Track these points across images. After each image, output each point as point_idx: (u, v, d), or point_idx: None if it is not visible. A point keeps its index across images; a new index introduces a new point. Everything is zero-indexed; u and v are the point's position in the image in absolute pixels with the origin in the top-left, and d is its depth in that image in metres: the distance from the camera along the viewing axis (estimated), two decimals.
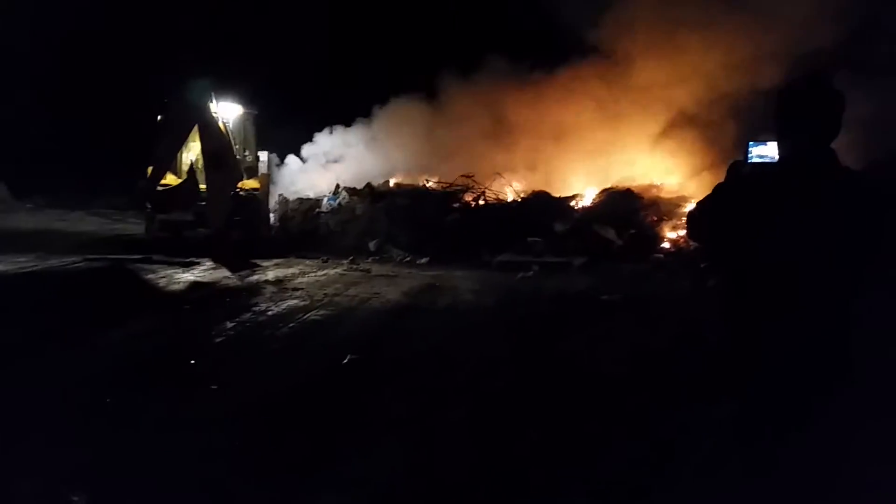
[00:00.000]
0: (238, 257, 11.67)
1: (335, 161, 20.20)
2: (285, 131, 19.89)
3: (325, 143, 20.65)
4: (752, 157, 2.61)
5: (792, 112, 2.53)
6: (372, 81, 22.11)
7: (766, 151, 2.60)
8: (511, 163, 18.26)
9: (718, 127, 16.51)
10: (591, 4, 17.48)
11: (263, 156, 15.26)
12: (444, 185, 17.09)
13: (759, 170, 2.59)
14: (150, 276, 10.34)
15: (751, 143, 2.62)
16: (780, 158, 2.56)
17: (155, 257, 11.67)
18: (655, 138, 18.18)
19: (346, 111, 21.14)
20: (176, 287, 9.64)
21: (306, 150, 20.48)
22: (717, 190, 2.61)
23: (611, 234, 13.95)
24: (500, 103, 19.74)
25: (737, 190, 2.55)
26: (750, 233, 2.46)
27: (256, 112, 15.04)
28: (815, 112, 2.49)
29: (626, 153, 18.29)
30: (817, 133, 2.48)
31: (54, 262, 11.07)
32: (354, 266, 12.18)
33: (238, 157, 13.47)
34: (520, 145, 19.19)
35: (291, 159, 20.19)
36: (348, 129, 20.88)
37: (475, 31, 20.91)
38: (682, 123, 17.72)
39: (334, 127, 20.82)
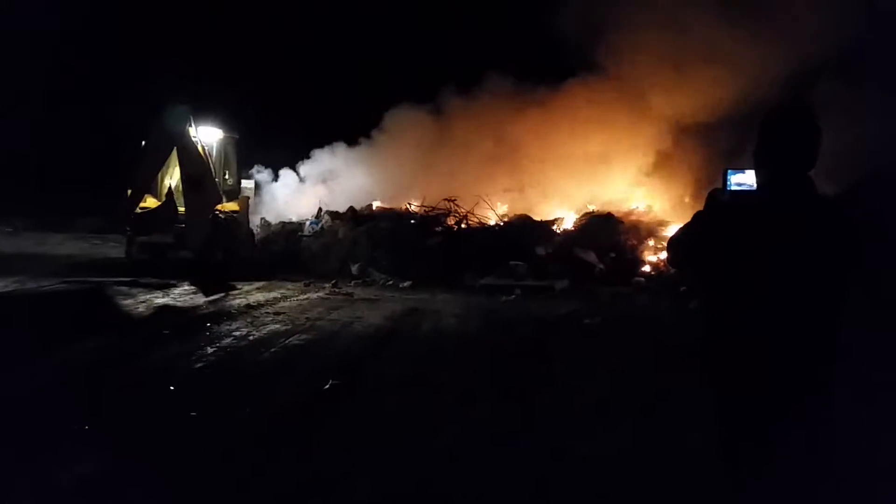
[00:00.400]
0: (217, 280, 11.65)
1: (323, 181, 20.21)
2: (269, 153, 19.99)
3: (308, 166, 20.69)
4: (730, 185, 2.64)
5: (770, 140, 2.58)
6: (353, 107, 22.20)
7: (745, 179, 2.63)
8: (493, 187, 18.34)
9: (698, 152, 16.73)
10: (584, 30, 17.77)
11: (248, 182, 15.32)
12: (427, 209, 17.13)
13: (738, 197, 2.62)
14: (129, 300, 10.23)
15: (729, 171, 2.66)
16: (758, 186, 2.60)
17: (135, 280, 11.61)
18: (637, 163, 18.37)
19: (329, 135, 21.23)
20: (155, 311, 9.54)
21: (285, 173, 20.51)
22: (697, 217, 2.65)
23: (592, 257, 14.05)
24: (483, 129, 19.88)
25: (716, 217, 2.58)
26: (729, 260, 2.49)
27: (238, 136, 15.09)
28: (793, 141, 2.54)
29: (608, 178, 18.47)
30: (795, 161, 2.53)
31: (31, 285, 10.98)
32: (337, 290, 12.14)
33: (217, 180, 13.53)
34: (502, 170, 19.29)
35: (275, 181, 20.22)
36: (331, 151, 20.92)
37: (458, 56, 21.06)
38: (663, 149, 17.94)
39: (316, 150, 20.88)
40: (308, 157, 20.87)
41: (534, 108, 19.16)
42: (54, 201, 20.84)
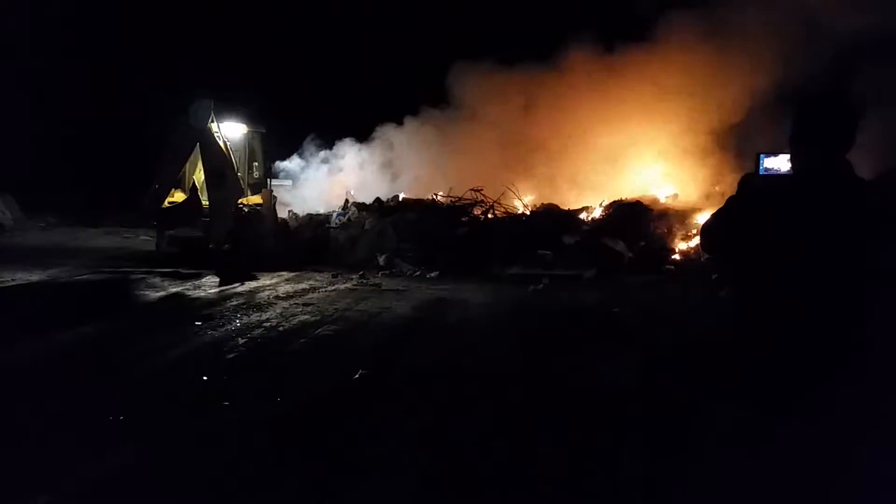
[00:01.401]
0: (245, 272, 11.84)
1: (341, 171, 20.34)
2: (295, 146, 20.19)
3: (336, 155, 20.83)
4: (763, 169, 2.59)
5: (808, 122, 2.53)
6: (379, 98, 22.25)
7: (778, 163, 2.59)
8: (520, 176, 18.27)
9: (731, 138, 16.51)
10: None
11: (285, 181, 15.50)
12: (453, 199, 17.12)
13: (773, 181, 2.58)
14: (159, 291, 10.40)
15: (762, 154, 2.62)
16: (794, 169, 2.55)
17: (165, 271, 11.92)
18: (666, 150, 18.18)
19: (355, 127, 21.36)
20: (185, 302, 9.67)
21: (311, 166, 20.66)
22: (730, 202, 2.61)
23: (620, 246, 13.92)
24: (510, 115, 19.82)
25: (751, 201, 2.54)
26: (764, 243, 2.45)
27: (264, 130, 15.28)
28: (831, 122, 2.49)
29: (637, 165, 18.32)
30: (833, 143, 2.48)
31: (65, 275, 11.45)
32: (364, 281, 12.18)
33: (240, 174, 13.83)
34: (529, 158, 19.22)
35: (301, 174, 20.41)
36: (360, 143, 21.03)
37: (483, 40, 20.97)
38: (693, 135, 17.71)
39: (345, 139, 21.01)
40: (331, 149, 21.03)
41: (561, 95, 19.03)
42: (86, 196, 21.21)
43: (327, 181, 20.09)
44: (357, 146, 21.09)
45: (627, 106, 18.08)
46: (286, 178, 19.10)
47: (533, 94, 19.61)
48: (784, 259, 2.41)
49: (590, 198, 17.16)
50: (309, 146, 21.41)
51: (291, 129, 20.51)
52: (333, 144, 21.28)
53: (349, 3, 26.12)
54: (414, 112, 21.04)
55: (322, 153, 21.11)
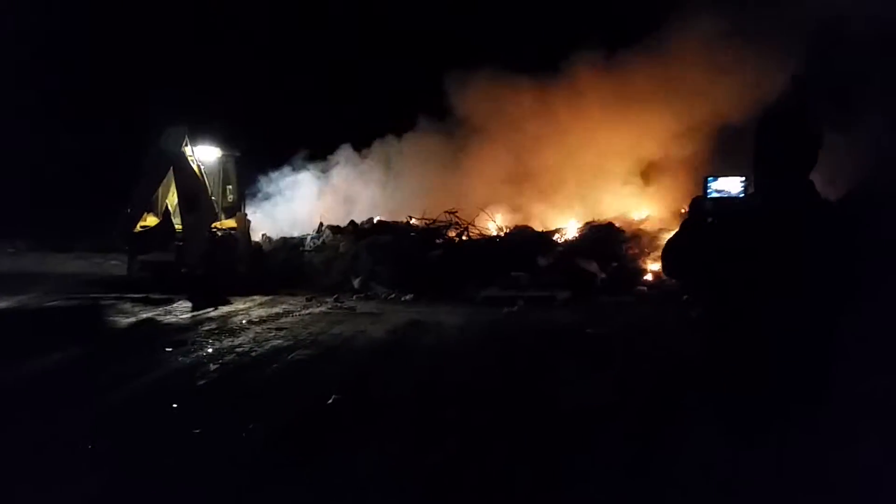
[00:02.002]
0: (217, 297, 11.74)
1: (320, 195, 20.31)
2: (267, 167, 20.14)
3: (307, 180, 20.80)
4: (710, 192, 2.65)
5: (766, 141, 2.58)
6: (352, 119, 22.29)
7: (724, 186, 2.64)
8: (494, 198, 18.37)
9: (699, 160, 16.76)
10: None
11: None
12: (428, 222, 17.15)
13: (739, 207, 2.61)
14: (130, 317, 10.26)
15: (708, 178, 2.66)
16: (756, 189, 2.60)
17: (136, 297, 11.78)
18: (637, 172, 18.42)
19: (330, 148, 21.40)
20: (155, 328, 9.54)
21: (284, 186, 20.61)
22: (683, 226, 2.66)
23: (594, 267, 14.03)
24: (483, 140, 19.97)
25: (710, 224, 2.57)
26: (728, 266, 2.49)
27: (239, 153, 15.22)
28: (788, 141, 2.53)
29: (609, 188, 18.51)
30: (791, 162, 2.52)
31: (34, 301, 11.26)
32: (339, 304, 12.13)
33: (215, 198, 13.81)
34: (502, 181, 19.35)
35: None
36: (325, 164, 21.04)
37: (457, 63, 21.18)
38: (662, 157, 17.98)
39: (311, 165, 21.02)
40: (307, 170, 21.00)
41: (533, 119, 19.24)
42: (55, 222, 20.91)
43: (300, 203, 20.01)
44: (327, 166, 21.09)
45: (600, 127, 18.31)
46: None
47: (506, 120, 19.78)
48: (752, 287, 2.45)
49: (564, 219, 17.30)
50: (292, 165, 21.38)
51: (267, 151, 20.48)
52: (302, 166, 21.27)
53: (313, 31, 26.31)
54: (391, 132, 21.19)
55: (293, 175, 21.04)
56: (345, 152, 21.28)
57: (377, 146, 21.26)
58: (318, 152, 21.35)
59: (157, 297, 11.83)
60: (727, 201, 2.61)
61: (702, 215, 2.62)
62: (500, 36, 21.56)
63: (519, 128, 19.44)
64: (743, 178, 2.61)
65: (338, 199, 19.92)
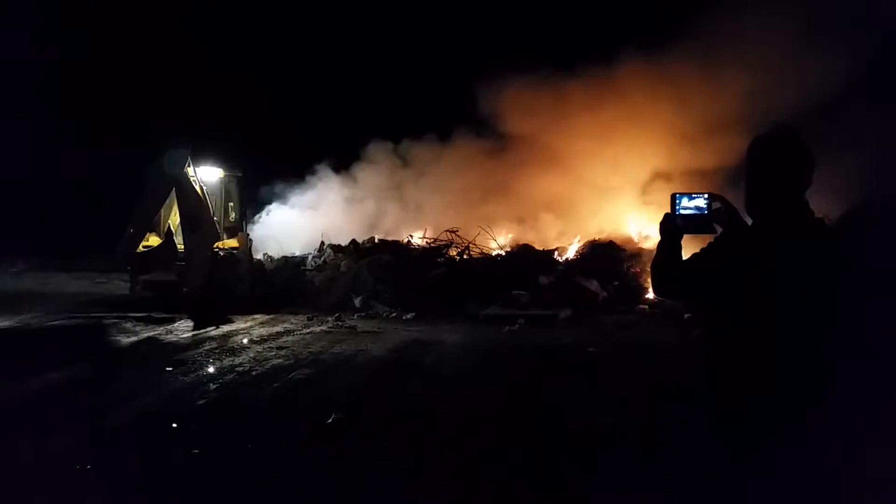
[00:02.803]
0: (219, 316, 11.76)
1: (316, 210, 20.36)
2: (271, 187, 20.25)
3: (304, 197, 20.90)
4: (679, 210, 2.70)
5: (758, 164, 2.60)
6: (352, 138, 22.43)
7: (694, 204, 2.69)
8: (495, 217, 18.43)
9: (698, 177, 16.79)
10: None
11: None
12: (429, 241, 17.19)
13: (738, 229, 2.63)
14: (131, 336, 10.26)
15: (677, 195, 2.72)
16: (748, 211, 2.62)
17: (138, 316, 11.79)
18: (637, 190, 18.46)
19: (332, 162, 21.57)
20: (156, 347, 9.54)
21: (280, 207, 20.69)
22: (660, 246, 2.72)
23: (595, 285, 14.03)
24: (482, 159, 20.08)
25: (710, 250, 2.59)
26: (721, 287, 2.50)
27: (241, 173, 15.35)
28: (780, 163, 2.56)
29: (609, 206, 18.53)
30: (783, 184, 2.54)
31: (37, 321, 11.29)
32: (340, 323, 12.12)
33: (217, 218, 13.91)
34: (503, 200, 19.41)
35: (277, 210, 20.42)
36: (327, 180, 21.12)
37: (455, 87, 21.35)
38: (662, 175, 18.03)
39: (309, 177, 21.13)
40: (302, 185, 21.10)
41: (533, 139, 19.33)
42: (56, 242, 20.99)
43: (298, 223, 20.07)
44: (328, 183, 21.20)
45: (602, 146, 18.39)
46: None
47: (508, 134, 19.90)
48: (750, 310, 2.46)
49: (565, 237, 17.33)
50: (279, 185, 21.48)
51: (270, 170, 20.63)
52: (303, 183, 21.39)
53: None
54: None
55: (295, 195, 21.14)
56: (324, 172, 21.37)
57: (369, 166, 21.36)
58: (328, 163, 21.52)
59: (158, 316, 11.84)
60: (696, 217, 2.68)
61: (673, 232, 2.68)
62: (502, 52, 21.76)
63: (517, 148, 19.55)
64: (706, 196, 2.69)
65: (336, 218, 19.94)
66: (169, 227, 13.52)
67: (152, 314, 11.96)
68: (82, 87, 25.35)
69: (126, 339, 10.09)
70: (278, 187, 21.00)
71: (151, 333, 10.54)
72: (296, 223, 19.75)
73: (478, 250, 16.67)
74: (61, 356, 8.57)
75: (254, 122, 24.71)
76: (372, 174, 21.20)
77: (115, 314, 12.15)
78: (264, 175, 19.73)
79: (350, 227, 19.11)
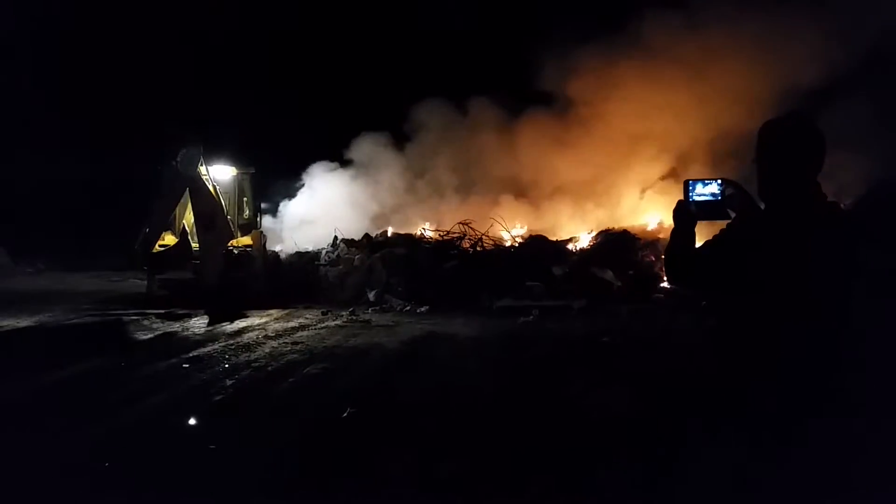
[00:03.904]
0: (235, 312, 11.84)
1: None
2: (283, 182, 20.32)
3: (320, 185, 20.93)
4: (693, 196, 2.68)
5: (769, 147, 2.57)
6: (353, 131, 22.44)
7: (707, 190, 2.68)
8: (508, 208, 18.39)
9: (714, 165, 16.69)
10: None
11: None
12: (442, 233, 17.18)
13: (749, 214, 2.61)
14: (148, 333, 10.36)
15: (690, 181, 2.70)
16: (765, 198, 2.59)
17: (155, 314, 11.91)
18: (652, 177, 18.36)
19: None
20: (173, 343, 9.59)
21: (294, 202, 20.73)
22: (674, 234, 2.69)
23: (609, 275, 13.98)
24: (493, 147, 20.03)
25: (725, 235, 2.56)
26: (735, 272, 2.48)
27: (253, 170, 15.46)
28: (791, 145, 2.52)
29: (623, 194, 18.46)
30: (794, 166, 2.51)
31: (56, 319, 11.48)
32: (354, 317, 12.15)
33: (230, 216, 13.99)
34: (516, 190, 19.38)
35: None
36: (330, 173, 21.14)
37: (465, 77, 21.31)
38: (677, 162, 17.93)
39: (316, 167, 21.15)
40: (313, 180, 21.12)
41: (546, 127, 19.25)
42: (73, 242, 21.19)
43: (311, 217, 20.12)
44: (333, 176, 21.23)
45: (617, 134, 18.30)
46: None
47: (521, 126, 19.85)
48: (762, 296, 2.43)
49: (577, 228, 17.27)
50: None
51: (281, 166, 20.72)
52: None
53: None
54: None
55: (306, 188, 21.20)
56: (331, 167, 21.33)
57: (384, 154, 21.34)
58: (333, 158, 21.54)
59: (175, 313, 11.96)
60: (710, 204, 2.66)
61: (687, 219, 2.66)
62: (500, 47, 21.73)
63: (531, 136, 19.48)
64: (720, 181, 2.67)
65: (347, 212, 19.97)
66: (184, 226, 13.67)
67: (169, 311, 12.08)
68: (94, 87, 25.57)
69: (143, 336, 10.19)
70: (289, 183, 21.06)
71: (168, 329, 10.64)
72: (309, 218, 19.80)
73: (491, 242, 16.63)
74: (80, 353, 8.66)
75: (264, 118, 24.80)
76: (383, 165, 21.19)
77: (131, 311, 12.30)
78: (276, 171, 19.78)
79: (363, 221, 19.14)
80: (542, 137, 19.30)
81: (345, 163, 21.23)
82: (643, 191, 18.44)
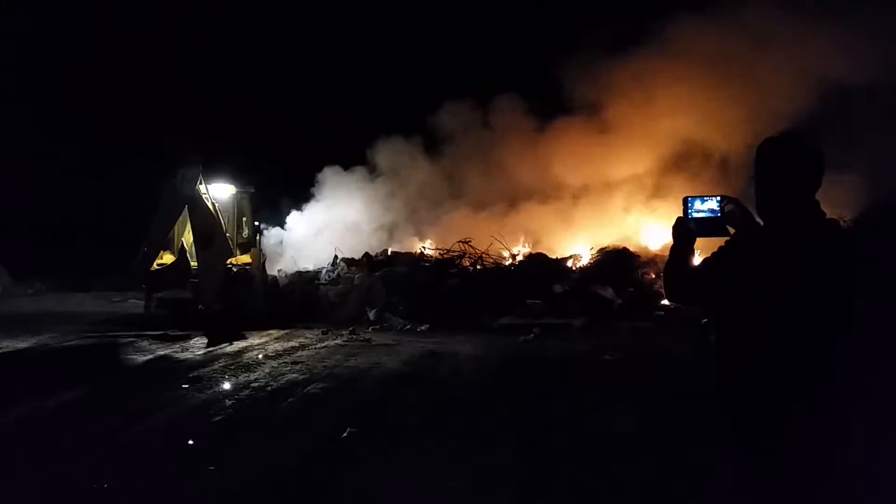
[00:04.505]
0: (234, 332, 11.77)
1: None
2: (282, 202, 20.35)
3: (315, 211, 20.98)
4: (692, 213, 2.69)
5: (767, 165, 2.58)
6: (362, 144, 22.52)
7: (707, 206, 2.68)
8: (508, 226, 18.41)
9: (711, 182, 16.73)
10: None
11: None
12: (442, 252, 17.19)
13: (749, 231, 2.62)
14: (147, 354, 10.28)
15: (689, 198, 2.70)
16: (758, 213, 2.60)
17: (153, 335, 11.80)
18: (650, 196, 18.39)
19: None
20: (172, 364, 9.56)
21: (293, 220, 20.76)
22: (673, 252, 2.69)
23: (610, 293, 13.97)
24: (493, 166, 20.14)
25: (725, 252, 2.56)
26: (734, 289, 2.48)
27: (253, 189, 15.37)
28: (790, 163, 2.54)
29: (622, 212, 18.49)
30: (801, 185, 2.52)
31: (54, 341, 11.34)
32: (355, 336, 12.12)
33: (229, 234, 13.89)
34: (516, 208, 19.43)
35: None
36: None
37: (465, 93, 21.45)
38: (676, 179, 17.97)
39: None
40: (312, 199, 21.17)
41: (543, 145, 19.36)
42: (73, 262, 21.17)
43: (312, 237, 20.13)
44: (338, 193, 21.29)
45: (609, 157, 18.38)
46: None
47: (517, 145, 19.94)
48: (761, 312, 2.44)
49: (577, 246, 17.28)
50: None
51: (281, 185, 20.78)
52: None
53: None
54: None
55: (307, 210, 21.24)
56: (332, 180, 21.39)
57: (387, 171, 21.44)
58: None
59: (173, 334, 11.86)
60: (709, 220, 2.66)
61: (686, 236, 2.67)
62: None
63: (528, 155, 19.58)
64: (719, 198, 2.68)
65: (348, 231, 19.99)
66: (182, 244, 13.51)
67: (167, 332, 11.99)
68: (97, 106, 25.69)
69: (141, 358, 10.10)
70: (289, 203, 21.12)
71: (167, 351, 10.56)
72: (309, 238, 19.83)
73: (491, 260, 16.64)
74: (77, 376, 8.61)
75: (265, 137, 24.90)
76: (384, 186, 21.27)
77: (130, 333, 12.18)
78: (276, 190, 19.82)
79: (363, 240, 19.16)
80: (544, 150, 19.46)
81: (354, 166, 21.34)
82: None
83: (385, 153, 21.19)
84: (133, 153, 23.76)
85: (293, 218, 20.79)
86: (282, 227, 20.35)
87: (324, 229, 20.03)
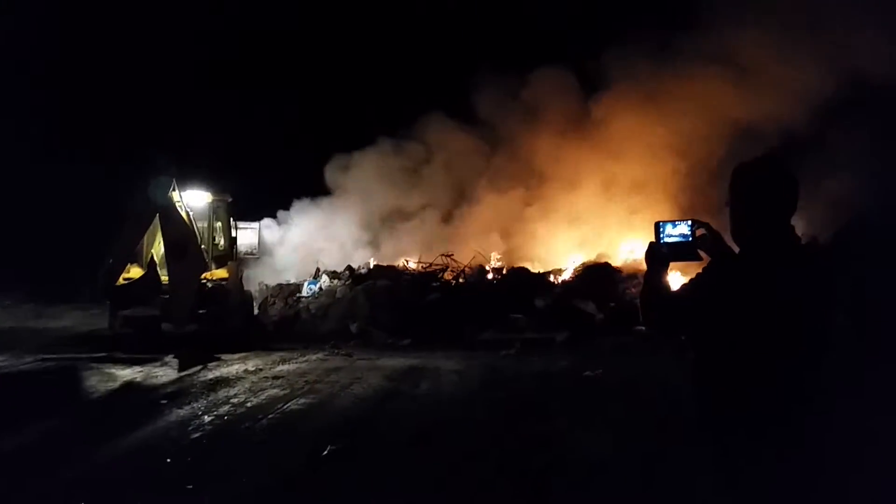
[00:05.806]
0: (207, 355, 10.94)
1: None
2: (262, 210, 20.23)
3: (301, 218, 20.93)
4: (664, 238, 2.71)
5: (743, 191, 2.61)
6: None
7: (678, 231, 2.71)
8: (490, 240, 18.48)
9: (694, 197, 16.92)
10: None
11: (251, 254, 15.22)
12: (424, 265, 17.20)
13: (727, 258, 2.64)
14: (109, 381, 9.34)
15: (661, 223, 2.73)
16: (734, 238, 2.63)
17: (118, 355, 10.94)
18: (631, 211, 18.54)
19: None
20: (145, 384, 9.28)
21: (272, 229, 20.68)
22: (647, 279, 2.71)
23: (591, 307, 14.03)
24: (477, 180, 20.22)
25: (703, 279, 2.59)
26: (711, 316, 2.50)
27: (230, 198, 14.30)
28: (770, 190, 2.56)
29: (604, 227, 18.61)
30: (777, 210, 2.55)
31: (11, 362, 10.56)
32: (336, 351, 12.07)
33: (204, 246, 12.85)
34: (497, 223, 19.49)
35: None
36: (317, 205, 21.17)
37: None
38: (657, 195, 18.13)
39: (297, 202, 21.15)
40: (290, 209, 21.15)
41: (526, 161, 19.49)
42: (55, 273, 20.84)
43: (294, 249, 20.04)
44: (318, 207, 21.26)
45: (592, 172, 18.52)
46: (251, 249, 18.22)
47: (504, 153, 20.10)
48: (736, 339, 2.46)
49: (559, 260, 17.37)
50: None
51: (261, 194, 20.66)
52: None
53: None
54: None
55: (287, 221, 21.16)
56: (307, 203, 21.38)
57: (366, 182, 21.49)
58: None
59: (140, 357, 10.71)
60: (680, 245, 2.70)
61: (659, 260, 2.69)
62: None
63: (509, 169, 19.70)
64: (689, 222, 2.71)
65: (330, 244, 19.96)
66: (152, 257, 12.15)
67: (133, 355, 10.82)
68: (74, 113, 25.46)
69: (107, 380, 9.31)
70: (269, 215, 21.04)
71: (135, 371, 9.92)
72: (290, 251, 19.77)
73: (473, 273, 16.67)
74: (31, 405, 7.84)
75: (243, 143, 24.78)
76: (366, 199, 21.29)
77: (95, 354, 11.17)
78: (255, 200, 19.59)
79: (346, 254, 19.15)
80: (525, 164, 19.59)
81: (325, 193, 21.33)
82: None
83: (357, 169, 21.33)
84: (107, 157, 23.45)
85: (272, 230, 20.68)
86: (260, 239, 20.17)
87: (306, 242, 19.98)
